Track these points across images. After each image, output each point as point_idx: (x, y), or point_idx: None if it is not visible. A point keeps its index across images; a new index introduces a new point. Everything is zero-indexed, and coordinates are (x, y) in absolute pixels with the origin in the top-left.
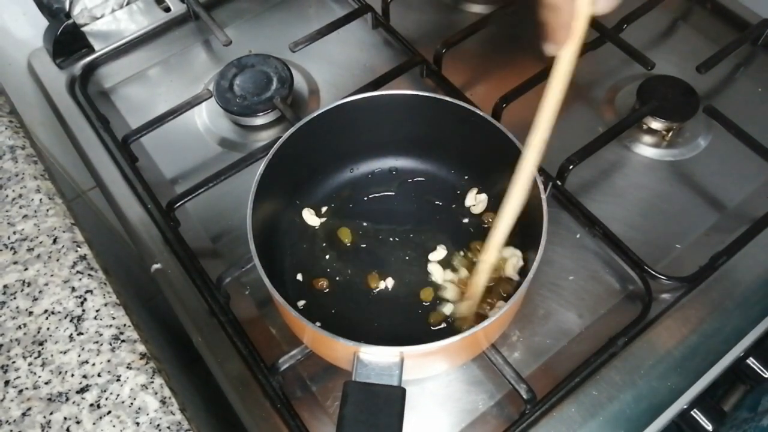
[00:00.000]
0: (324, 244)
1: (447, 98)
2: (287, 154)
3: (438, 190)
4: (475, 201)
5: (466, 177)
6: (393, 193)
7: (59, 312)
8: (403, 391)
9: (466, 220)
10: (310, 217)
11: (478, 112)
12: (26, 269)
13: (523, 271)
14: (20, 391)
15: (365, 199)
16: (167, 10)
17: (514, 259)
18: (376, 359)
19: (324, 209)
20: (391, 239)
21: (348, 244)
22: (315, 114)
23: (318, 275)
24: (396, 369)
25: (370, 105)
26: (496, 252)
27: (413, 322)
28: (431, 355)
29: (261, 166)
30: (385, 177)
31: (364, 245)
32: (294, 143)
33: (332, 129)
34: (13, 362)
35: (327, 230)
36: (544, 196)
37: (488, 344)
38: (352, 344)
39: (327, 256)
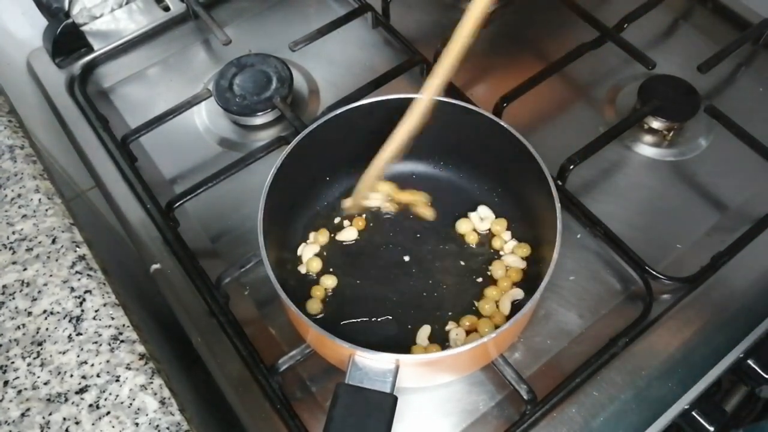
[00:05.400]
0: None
1: (475, 108)
2: (300, 155)
3: (449, 193)
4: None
5: (480, 182)
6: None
7: (58, 312)
8: (395, 399)
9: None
10: (320, 238)
11: (494, 118)
12: (25, 269)
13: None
14: (19, 392)
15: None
16: (167, 9)
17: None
18: (370, 364)
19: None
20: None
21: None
22: (324, 119)
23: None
24: (390, 376)
25: (383, 108)
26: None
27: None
28: (432, 364)
29: (276, 162)
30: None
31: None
32: (306, 145)
33: (342, 133)
34: (12, 362)
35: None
36: (558, 211)
37: (497, 354)
38: (348, 347)
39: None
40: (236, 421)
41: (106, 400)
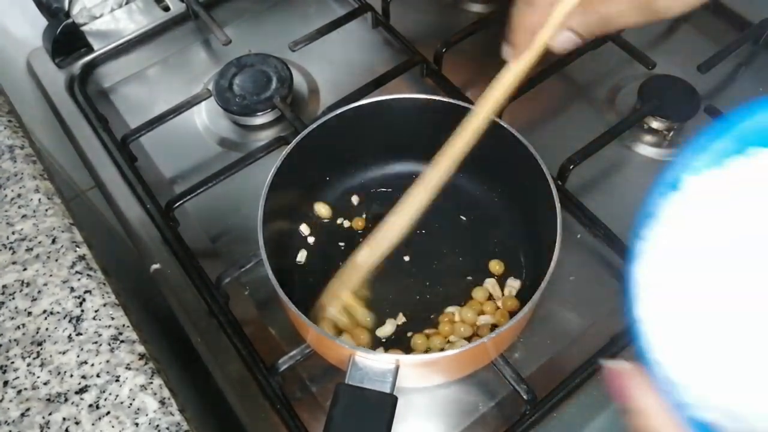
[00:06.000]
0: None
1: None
2: (300, 155)
3: (449, 194)
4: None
5: (479, 182)
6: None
7: (58, 312)
8: (395, 399)
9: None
10: (322, 211)
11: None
12: (25, 269)
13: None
14: (19, 392)
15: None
16: (166, 9)
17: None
18: (371, 364)
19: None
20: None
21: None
22: (324, 119)
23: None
24: (390, 376)
25: (383, 108)
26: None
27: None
28: (432, 365)
29: (276, 162)
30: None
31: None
32: (306, 145)
33: (342, 133)
34: (12, 362)
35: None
36: (558, 211)
37: (496, 354)
38: (349, 347)
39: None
40: (236, 421)
41: (106, 400)
